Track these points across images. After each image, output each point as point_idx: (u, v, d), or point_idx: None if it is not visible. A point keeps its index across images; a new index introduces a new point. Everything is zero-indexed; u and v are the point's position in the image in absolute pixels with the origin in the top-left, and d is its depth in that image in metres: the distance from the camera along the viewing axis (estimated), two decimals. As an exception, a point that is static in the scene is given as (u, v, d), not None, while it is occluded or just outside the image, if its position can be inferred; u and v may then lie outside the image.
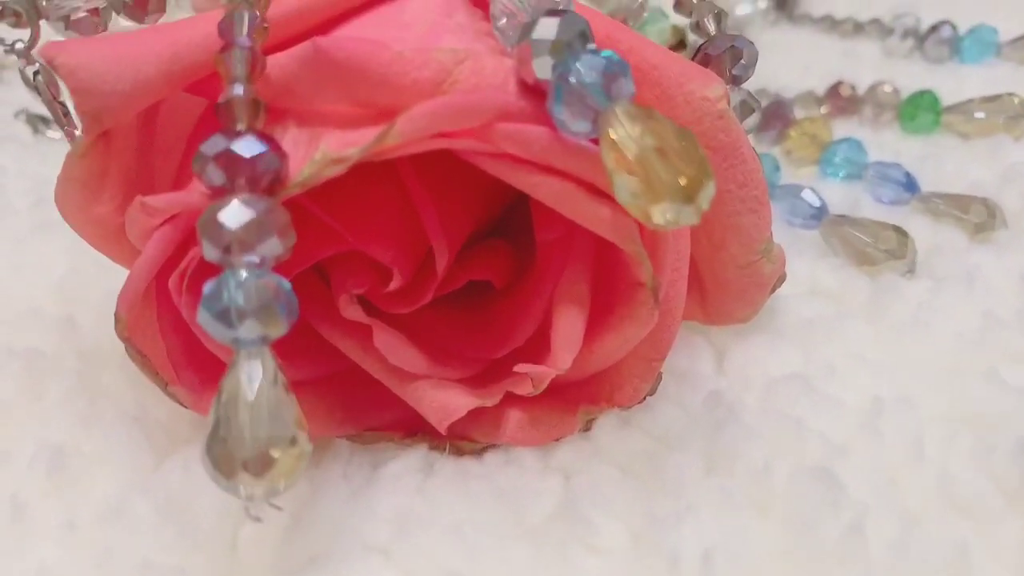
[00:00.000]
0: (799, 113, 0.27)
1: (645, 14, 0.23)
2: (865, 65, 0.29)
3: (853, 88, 0.26)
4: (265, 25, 0.15)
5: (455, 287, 0.18)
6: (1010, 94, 0.24)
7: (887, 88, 0.26)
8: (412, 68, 0.14)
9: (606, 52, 0.14)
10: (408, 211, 0.16)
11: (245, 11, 0.14)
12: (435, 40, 0.16)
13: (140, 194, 0.17)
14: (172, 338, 0.16)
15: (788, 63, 0.29)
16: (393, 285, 0.16)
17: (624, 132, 0.13)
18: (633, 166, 0.13)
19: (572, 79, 0.14)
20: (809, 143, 0.24)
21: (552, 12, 0.14)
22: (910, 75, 0.28)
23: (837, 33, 0.30)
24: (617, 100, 0.14)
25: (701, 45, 0.19)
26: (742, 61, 0.18)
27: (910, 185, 0.22)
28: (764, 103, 0.25)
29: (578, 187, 0.15)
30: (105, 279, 0.20)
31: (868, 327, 0.18)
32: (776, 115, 0.25)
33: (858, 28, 0.30)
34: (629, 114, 0.13)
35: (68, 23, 0.16)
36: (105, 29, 0.17)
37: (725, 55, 0.18)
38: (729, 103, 0.17)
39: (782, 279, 0.18)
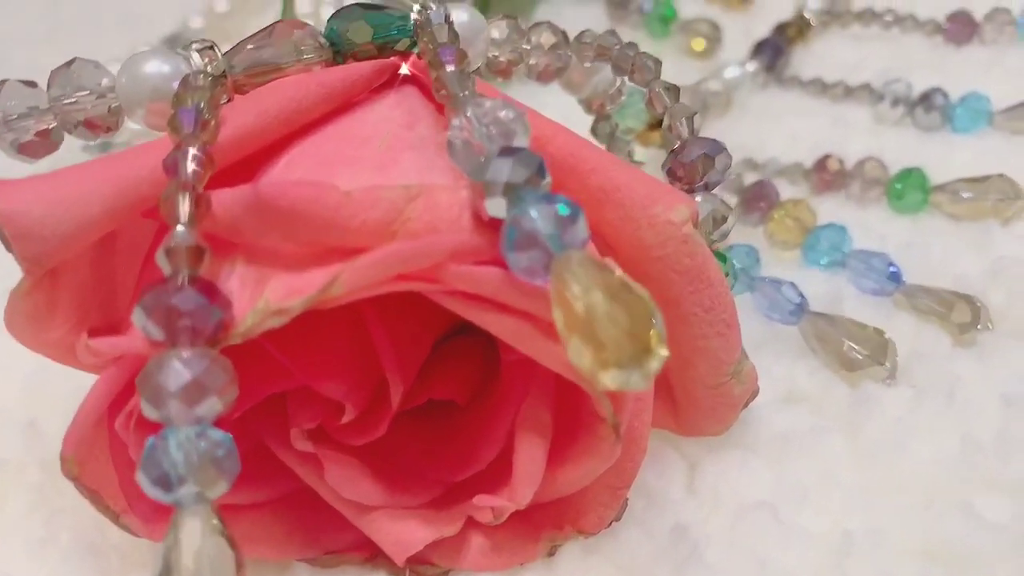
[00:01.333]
0: (786, 189, 0.26)
1: (623, 98, 0.23)
2: (855, 132, 0.28)
3: (841, 162, 0.26)
4: (212, 160, 0.14)
5: (416, 404, 0.17)
6: (999, 175, 0.24)
7: (875, 164, 0.25)
8: (361, 210, 0.14)
9: (560, 198, 0.13)
10: (360, 341, 0.16)
11: (190, 147, 0.14)
12: (393, 162, 0.16)
13: (99, 308, 0.17)
14: (124, 468, 0.16)
15: (776, 131, 0.28)
16: (346, 418, 0.15)
17: (575, 289, 0.12)
18: (582, 329, 0.12)
19: (525, 224, 0.13)
20: (793, 226, 0.23)
21: (506, 151, 0.14)
22: (900, 144, 0.27)
23: (827, 97, 0.29)
24: (571, 247, 0.13)
25: (674, 150, 0.18)
26: (715, 167, 0.18)
27: (894, 276, 0.22)
28: (749, 182, 0.25)
29: (534, 326, 0.14)
30: (73, 377, 0.20)
31: (844, 444, 0.18)
32: (760, 196, 0.24)
33: (848, 92, 0.29)
34: (582, 266, 0.13)
35: (18, 147, 0.16)
36: (56, 149, 0.16)
37: (697, 162, 0.18)
38: (696, 223, 0.16)
39: (755, 394, 0.18)
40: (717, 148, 0.18)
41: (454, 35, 0.17)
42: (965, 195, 0.24)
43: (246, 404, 0.15)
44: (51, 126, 0.16)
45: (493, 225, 0.14)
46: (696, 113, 0.19)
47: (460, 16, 0.19)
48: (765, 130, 0.28)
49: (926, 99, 0.28)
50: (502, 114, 0.15)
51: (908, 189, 0.25)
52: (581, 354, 0.12)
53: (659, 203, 0.16)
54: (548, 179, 0.14)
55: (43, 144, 0.16)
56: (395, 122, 0.17)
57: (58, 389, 0.20)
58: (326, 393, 0.15)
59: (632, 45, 0.20)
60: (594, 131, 0.23)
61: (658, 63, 0.19)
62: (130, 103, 0.16)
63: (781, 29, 0.32)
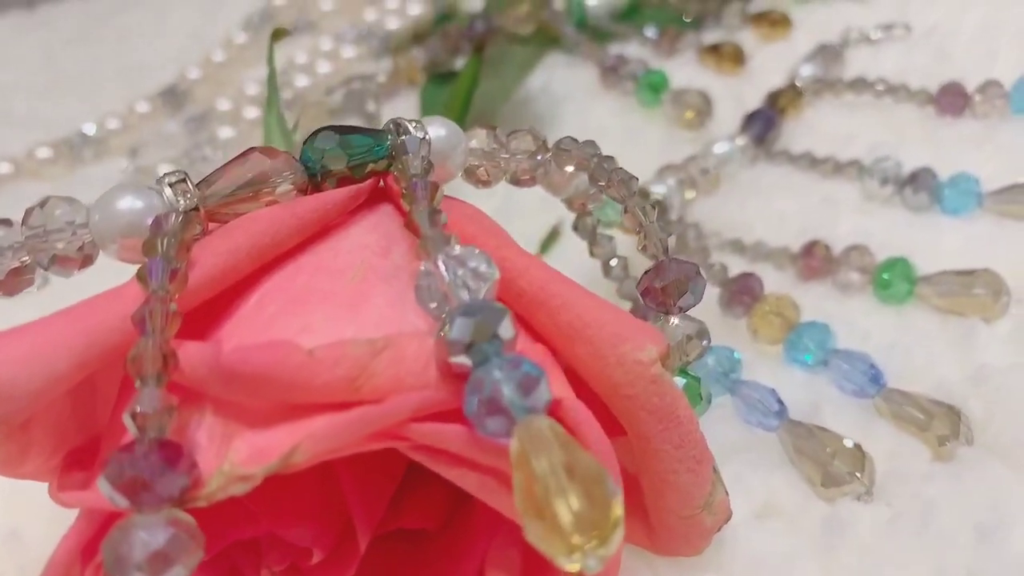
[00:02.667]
0: (772, 274, 0.26)
1: (604, 196, 0.23)
2: (843, 212, 0.28)
3: (828, 249, 0.26)
4: (179, 313, 0.14)
5: (386, 531, 0.17)
6: (986, 270, 0.24)
7: (862, 252, 0.25)
8: (324, 369, 0.14)
9: (524, 360, 0.13)
10: (327, 483, 0.16)
11: (159, 302, 0.14)
12: (364, 299, 0.16)
13: (77, 430, 0.17)
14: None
15: (764, 210, 0.28)
16: (314, 560, 0.16)
17: (534, 464, 0.12)
18: (538, 510, 0.12)
19: (488, 387, 0.13)
20: (776, 322, 0.23)
21: (471, 309, 0.14)
22: (889, 224, 0.27)
23: (817, 172, 0.29)
24: (533, 412, 0.13)
25: (648, 272, 0.18)
26: (690, 292, 0.18)
27: (875, 379, 0.22)
28: (734, 273, 0.25)
29: (499, 482, 0.14)
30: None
31: (817, 571, 0.18)
32: (744, 289, 0.24)
33: (838, 169, 0.29)
34: (542, 437, 0.13)
35: (-7, 286, 0.16)
36: (32, 285, 0.17)
37: (672, 287, 0.18)
38: (667, 362, 0.16)
39: (728, 517, 0.18)
40: (692, 272, 0.18)
41: (428, 166, 0.17)
42: (951, 288, 0.24)
43: (214, 549, 0.15)
44: (25, 262, 0.16)
45: (460, 376, 0.14)
46: (672, 234, 0.19)
47: (437, 131, 0.19)
48: (753, 209, 0.28)
49: (915, 179, 0.28)
50: (472, 264, 0.15)
51: (894, 279, 0.24)
52: (538, 536, 0.12)
53: (628, 342, 0.16)
54: (513, 334, 0.14)
55: (18, 281, 0.16)
56: (369, 248, 0.17)
57: (39, 497, 0.20)
58: (292, 540, 0.15)
59: (610, 159, 0.20)
60: (575, 227, 0.23)
61: (634, 179, 0.19)
62: (103, 239, 0.16)
63: (773, 99, 0.32)
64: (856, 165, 0.29)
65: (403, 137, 0.18)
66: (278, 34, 0.24)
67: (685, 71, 0.35)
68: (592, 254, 0.23)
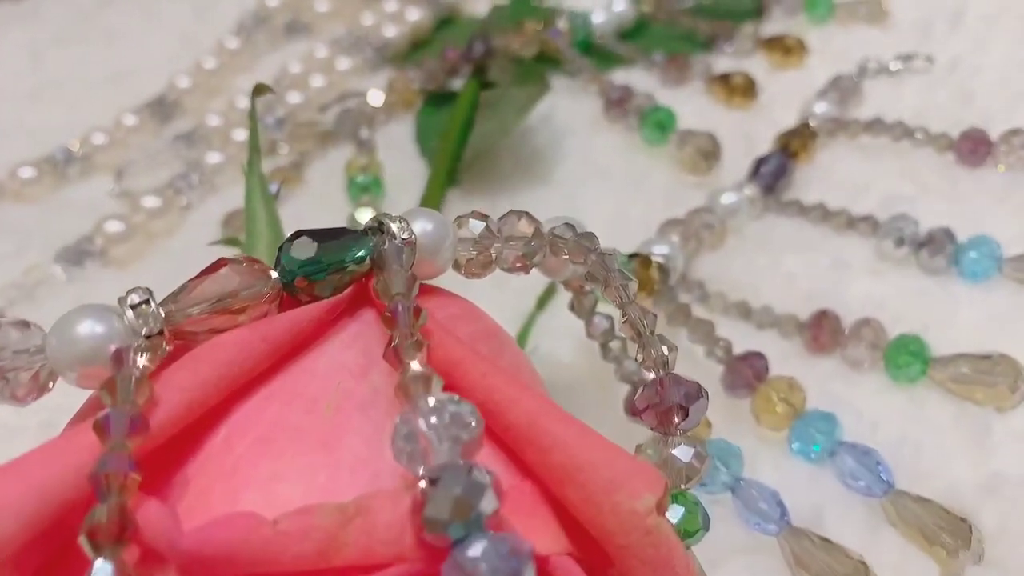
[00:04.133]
0: (777, 343, 0.25)
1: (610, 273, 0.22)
2: (855, 273, 0.26)
3: (837, 321, 0.24)
4: (139, 468, 0.13)
5: None
6: (1002, 355, 0.22)
7: (873, 328, 0.24)
8: (292, 543, 0.13)
9: (507, 538, 0.12)
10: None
11: (115, 462, 0.13)
12: (337, 439, 0.15)
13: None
14: None
15: (772, 270, 0.27)
16: None
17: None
18: None
19: (468, 569, 0.12)
20: (781, 410, 0.22)
21: (448, 481, 0.13)
22: (903, 290, 0.26)
23: (829, 226, 0.28)
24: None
25: (645, 389, 0.17)
26: (690, 416, 0.17)
27: (883, 479, 0.21)
28: (739, 350, 0.24)
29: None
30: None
31: None
32: (749, 367, 0.23)
33: (851, 224, 0.28)
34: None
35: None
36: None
37: (673, 409, 0.17)
38: (664, 508, 0.15)
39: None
40: (694, 393, 0.17)
41: (412, 281, 0.16)
42: (966, 374, 0.23)
43: None
44: (-24, 390, 0.15)
45: (437, 548, 0.13)
46: (673, 347, 0.17)
47: (424, 225, 0.18)
48: (760, 267, 0.27)
49: (932, 240, 0.26)
50: (453, 411, 0.14)
51: (906, 359, 0.23)
52: None
53: (623, 489, 0.15)
54: (496, 506, 0.13)
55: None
56: (347, 369, 0.16)
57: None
58: None
59: (609, 256, 0.19)
60: (572, 308, 0.22)
61: (633, 282, 0.18)
62: (61, 366, 0.15)
63: (784, 141, 0.30)
64: (870, 221, 0.27)
65: (385, 243, 0.17)
66: (259, 90, 0.23)
67: (693, 103, 0.34)
68: (589, 335, 0.22)
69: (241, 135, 0.36)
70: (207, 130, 0.39)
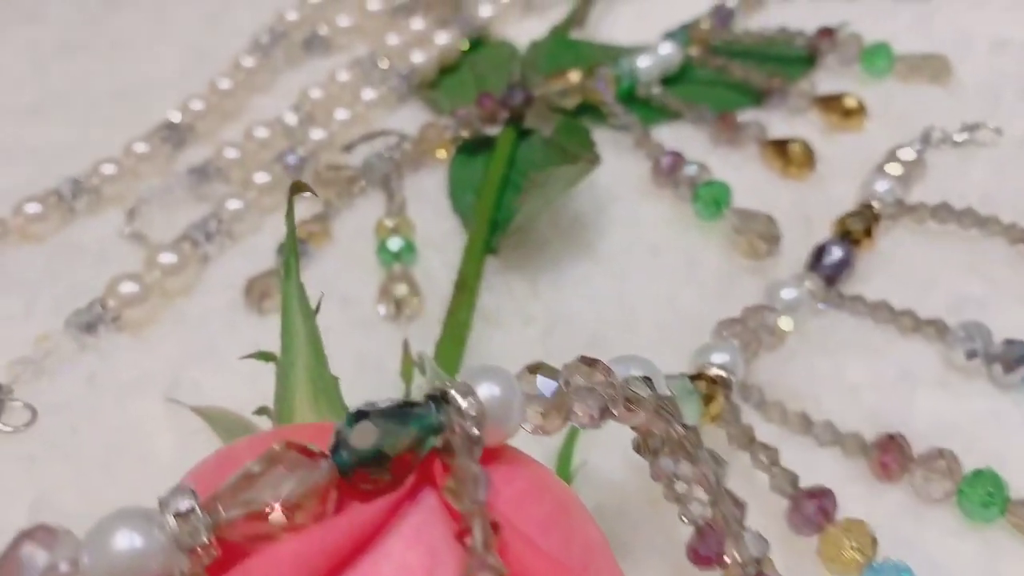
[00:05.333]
0: (839, 463, 0.23)
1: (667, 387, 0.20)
2: (922, 385, 0.25)
3: (906, 446, 0.23)
4: None
5: None
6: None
7: (946, 461, 0.22)
8: None
9: None
10: None
11: None
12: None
13: None
14: None
15: (835, 379, 0.25)
16: None
17: None
18: None
19: None
20: (851, 554, 0.21)
21: None
22: (975, 410, 0.24)
23: (895, 327, 0.26)
24: None
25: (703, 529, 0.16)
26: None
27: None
28: (806, 484, 0.22)
29: None
30: None
31: None
32: (817, 505, 0.21)
33: (917, 326, 0.26)
34: None
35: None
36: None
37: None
38: None
39: None
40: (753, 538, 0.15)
41: (482, 476, 0.14)
42: (1048, 520, 0.21)
43: None
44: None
45: None
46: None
47: (491, 390, 0.16)
48: (822, 374, 0.25)
49: (1006, 354, 0.25)
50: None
51: (982, 497, 0.22)
52: None
53: None
54: None
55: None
56: (412, 573, 0.15)
57: None
58: None
59: (693, 431, 0.17)
60: (637, 449, 0.20)
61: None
62: (98, 585, 0.13)
63: (845, 228, 0.28)
64: (938, 325, 0.26)
65: (452, 421, 0.15)
66: (298, 188, 0.21)
67: (746, 169, 0.32)
68: (654, 477, 0.21)
69: (261, 177, 0.34)
70: (223, 162, 0.37)
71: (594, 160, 0.27)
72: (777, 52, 0.37)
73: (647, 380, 0.17)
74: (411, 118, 0.39)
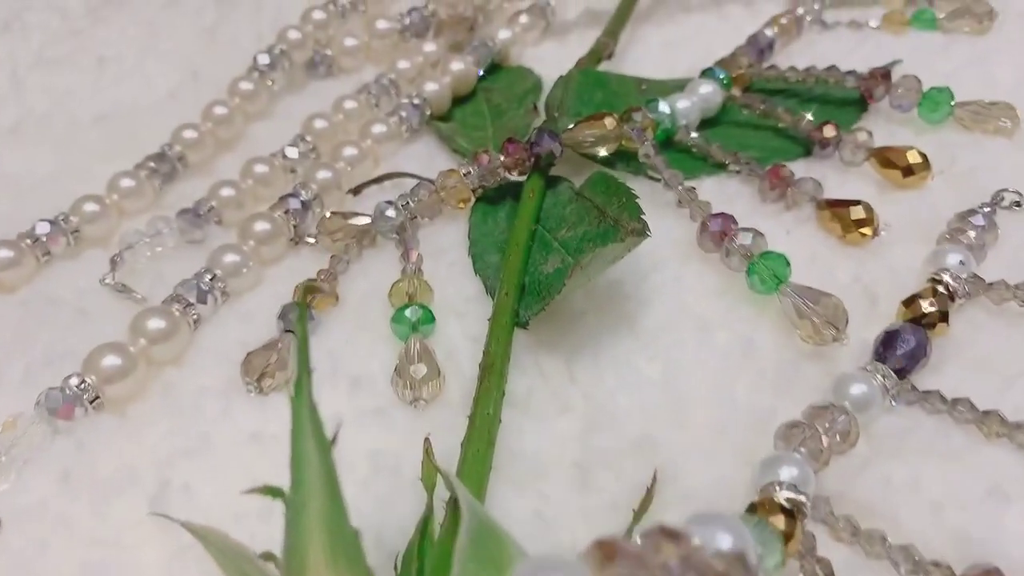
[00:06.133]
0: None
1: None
2: (1016, 502, 0.22)
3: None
4: None
5: None
6: None
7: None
8: None
9: None
10: None
11: None
12: None
13: None
14: None
15: (913, 493, 0.22)
16: None
17: None
18: None
19: None
20: None
21: None
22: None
23: (981, 428, 0.23)
24: None
25: None
26: None
27: None
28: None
29: None
30: None
31: None
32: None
33: (1003, 429, 0.23)
34: None
35: None
36: None
37: None
38: None
39: None
40: None
41: None
42: None
43: None
44: None
45: None
46: None
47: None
48: (898, 486, 0.22)
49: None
50: None
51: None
52: None
53: None
54: None
55: None
56: None
57: None
58: None
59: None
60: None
61: None
62: None
63: (916, 311, 0.25)
64: (1028, 430, 0.23)
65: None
66: (311, 290, 0.17)
67: (800, 232, 0.29)
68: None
69: (261, 225, 0.31)
70: (218, 200, 0.33)
71: (640, 232, 0.24)
72: (825, 93, 0.34)
73: (740, 559, 0.14)
74: (424, 154, 0.36)
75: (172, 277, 0.30)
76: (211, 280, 0.29)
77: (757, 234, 0.27)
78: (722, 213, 0.28)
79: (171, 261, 0.32)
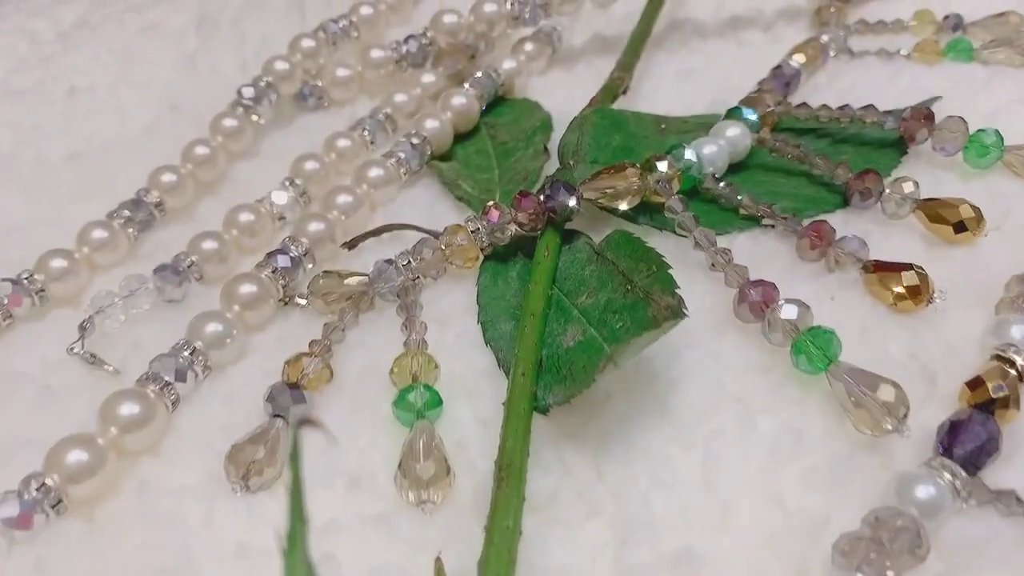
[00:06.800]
0: None
1: None
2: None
3: None
4: None
5: None
6: None
7: None
8: None
9: None
10: None
11: None
12: None
13: None
14: None
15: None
16: None
17: None
18: None
19: None
20: None
21: None
22: None
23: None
24: None
25: None
26: None
27: None
28: None
29: None
30: None
31: None
32: None
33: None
34: None
35: None
36: None
37: None
38: None
39: None
40: None
41: None
42: None
43: None
44: None
45: None
46: None
47: None
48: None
49: None
50: None
51: None
52: None
53: None
54: None
55: None
56: None
57: None
58: None
59: None
60: None
61: None
62: None
63: (981, 395, 0.23)
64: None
65: None
66: (306, 423, 0.15)
67: (845, 298, 0.26)
68: None
69: (247, 288, 0.28)
70: (200, 254, 0.30)
71: (677, 312, 0.21)
72: (860, 133, 0.32)
73: None
74: (425, 200, 0.33)
75: (148, 345, 0.27)
76: (191, 354, 0.26)
77: (802, 306, 0.24)
78: (762, 281, 0.25)
79: (147, 325, 0.29)
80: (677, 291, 0.22)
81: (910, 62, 0.36)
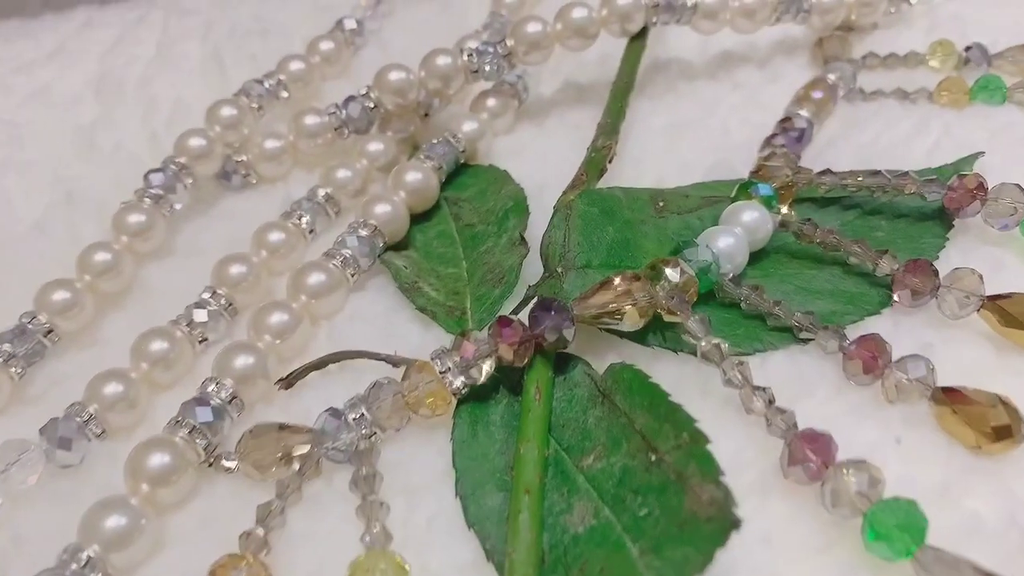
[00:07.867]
0: None
1: None
2: None
3: None
4: None
5: None
6: None
7: None
8: None
9: None
10: None
11: None
12: None
13: None
14: None
15: None
16: None
17: None
18: None
19: None
20: None
21: None
22: None
23: None
24: None
25: None
26: None
27: None
28: None
29: None
30: None
31: None
32: None
33: None
34: None
35: None
36: None
37: None
38: None
39: None
40: None
41: None
42: None
43: None
44: None
45: None
46: None
47: None
48: None
49: None
50: None
51: None
52: None
53: None
54: None
55: None
56: None
57: None
58: None
59: None
60: None
61: None
62: None
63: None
64: None
65: None
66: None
67: (915, 438, 0.21)
68: None
69: (158, 457, 0.22)
70: (101, 402, 0.24)
71: (726, 513, 0.16)
72: (894, 203, 0.27)
73: None
74: (379, 308, 0.27)
75: (31, 540, 0.21)
76: (84, 566, 0.20)
77: (874, 474, 0.19)
78: (814, 432, 0.19)
79: (33, 509, 0.22)
80: (722, 478, 0.17)
81: (933, 106, 0.31)
